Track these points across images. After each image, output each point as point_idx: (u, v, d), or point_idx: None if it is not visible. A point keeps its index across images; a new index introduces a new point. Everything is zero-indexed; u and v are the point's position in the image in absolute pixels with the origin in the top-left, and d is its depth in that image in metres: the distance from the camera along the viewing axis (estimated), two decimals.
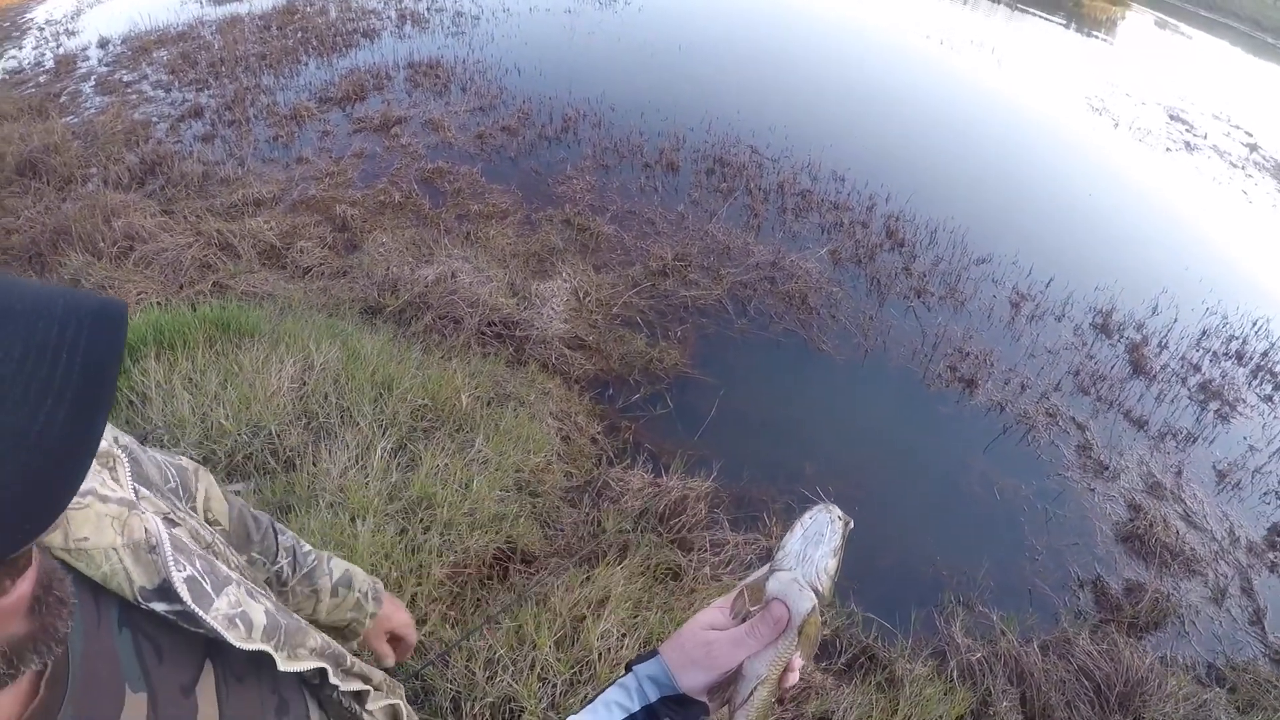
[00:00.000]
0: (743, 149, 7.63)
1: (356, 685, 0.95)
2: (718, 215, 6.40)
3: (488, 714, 2.45)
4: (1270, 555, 4.89)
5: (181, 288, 5.30)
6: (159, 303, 4.89)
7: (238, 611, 0.77)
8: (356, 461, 3.31)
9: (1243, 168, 11.49)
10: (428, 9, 11.15)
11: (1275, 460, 5.63)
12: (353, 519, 3.01)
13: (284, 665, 0.81)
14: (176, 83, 8.72)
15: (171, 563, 0.72)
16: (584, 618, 2.66)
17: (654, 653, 0.81)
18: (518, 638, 2.60)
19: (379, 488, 3.16)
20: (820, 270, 6.01)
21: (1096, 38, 19.44)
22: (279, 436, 3.50)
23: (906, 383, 5.37)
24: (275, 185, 6.53)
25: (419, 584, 2.86)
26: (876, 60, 12.33)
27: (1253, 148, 12.42)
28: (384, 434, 3.48)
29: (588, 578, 2.90)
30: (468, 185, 6.39)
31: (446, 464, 3.27)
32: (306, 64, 9.29)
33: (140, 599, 0.69)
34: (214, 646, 0.76)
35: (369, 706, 0.99)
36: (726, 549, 3.51)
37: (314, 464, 3.33)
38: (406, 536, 2.99)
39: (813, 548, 0.77)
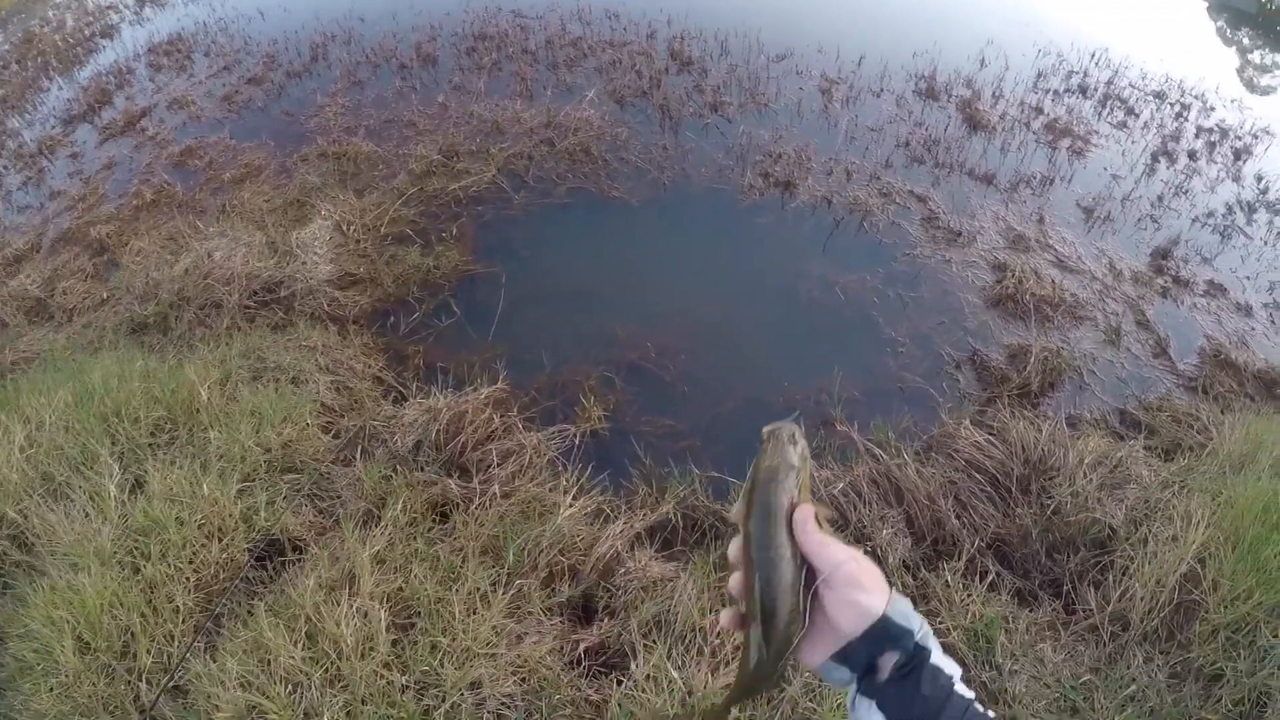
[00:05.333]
0: (504, 16, 6.49)
1: None
2: (480, 93, 5.42)
3: None
4: (1159, 281, 4.27)
5: None
6: None
7: None
8: (91, 510, 2.69)
9: None
10: None
11: (1143, 183, 5.03)
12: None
13: None
14: None
15: None
16: (321, 603, 2.13)
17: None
18: (257, 646, 2.09)
19: (110, 532, 2.55)
20: (602, 116, 5.16)
21: None
22: (24, 516, 2.85)
23: (717, 203, 4.59)
24: (32, 233, 5.45)
25: (155, 617, 2.29)
26: None
27: None
28: (122, 467, 2.83)
29: (333, 554, 2.35)
30: (219, 154, 5.34)
31: (177, 476, 2.64)
32: (49, 89, 7.76)
33: None
34: None
35: None
36: (523, 454, 2.87)
37: (53, 532, 2.70)
38: (141, 574, 2.41)
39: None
